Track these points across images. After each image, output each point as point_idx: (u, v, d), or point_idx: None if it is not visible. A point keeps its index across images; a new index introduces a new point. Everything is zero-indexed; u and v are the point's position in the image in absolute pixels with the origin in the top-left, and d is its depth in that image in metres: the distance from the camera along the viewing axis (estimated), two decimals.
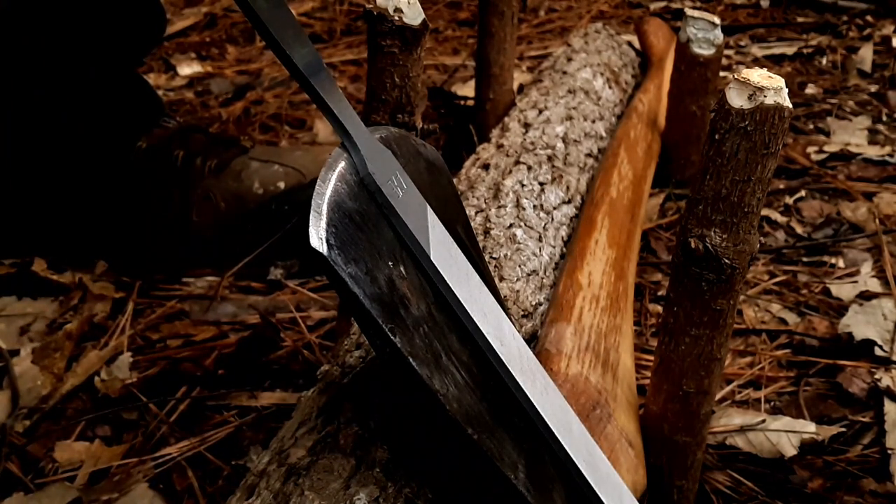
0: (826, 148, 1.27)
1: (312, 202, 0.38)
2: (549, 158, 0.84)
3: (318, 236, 0.37)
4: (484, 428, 0.42)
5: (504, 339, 0.46)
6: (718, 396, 0.78)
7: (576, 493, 0.47)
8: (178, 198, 0.98)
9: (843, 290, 0.94)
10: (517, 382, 0.45)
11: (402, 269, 0.41)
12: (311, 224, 0.38)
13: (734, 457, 0.73)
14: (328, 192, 0.39)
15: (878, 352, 0.83)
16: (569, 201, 0.81)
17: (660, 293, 0.94)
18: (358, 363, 0.54)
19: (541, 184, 0.79)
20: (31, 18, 0.92)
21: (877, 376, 0.80)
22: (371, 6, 0.58)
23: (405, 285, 0.41)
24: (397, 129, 0.47)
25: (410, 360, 0.39)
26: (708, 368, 0.55)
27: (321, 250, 0.37)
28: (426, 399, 0.40)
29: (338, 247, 0.38)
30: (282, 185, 0.97)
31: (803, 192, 1.15)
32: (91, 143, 0.97)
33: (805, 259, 1.01)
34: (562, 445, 0.46)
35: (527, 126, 0.92)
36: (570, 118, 0.95)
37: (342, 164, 0.41)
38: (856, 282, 0.95)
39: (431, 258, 0.43)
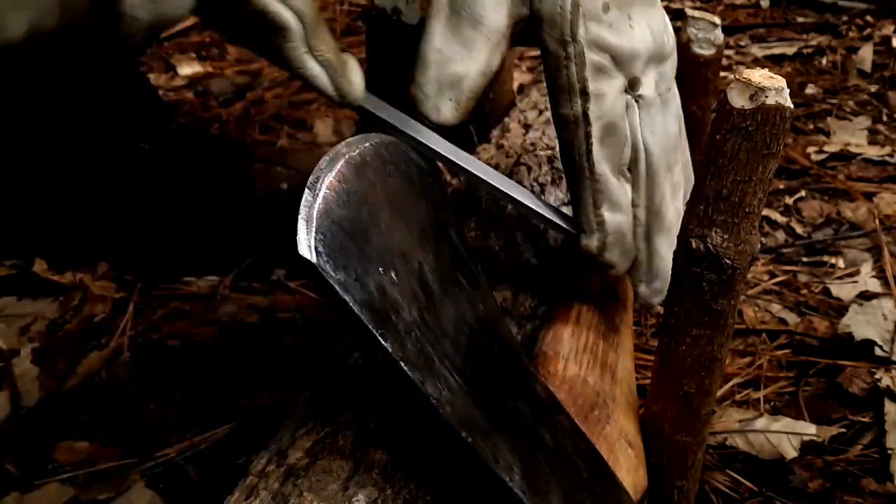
0: (826, 148, 1.27)
1: (301, 209, 0.38)
2: (550, 160, 0.84)
3: (306, 244, 0.37)
4: (478, 431, 0.42)
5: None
6: (718, 396, 0.78)
7: (574, 494, 0.47)
8: (180, 199, 0.98)
9: (843, 290, 0.94)
10: None
11: (392, 275, 0.41)
12: (299, 232, 0.38)
13: (734, 457, 0.73)
14: (318, 200, 0.39)
15: (878, 352, 0.83)
16: (568, 202, 0.81)
17: None
18: (357, 363, 0.54)
19: (541, 185, 0.79)
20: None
21: (877, 376, 0.80)
22: (370, 6, 0.58)
23: (396, 291, 0.41)
24: (388, 137, 0.47)
25: (402, 365, 0.39)
26: (708, 369, 0.55)
27: (310, 258, 0.37)
28: (419, 403, 0.40)
29: (326, 254, 0.38)
30: (284, 185, 0.97)
31: (803, 192, 1.15)
32: (93, 145, 0.97)
33: (805, 259, 1.01)
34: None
35: (527, 127, 0.92)
36: None
37: (332, 172, 0.40)
38: (856, 282, 0.95)
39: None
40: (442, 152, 0.54)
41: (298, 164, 1.00)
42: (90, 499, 0.69)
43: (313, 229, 0.38)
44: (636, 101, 0.56)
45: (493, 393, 0.45)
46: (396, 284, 0.41)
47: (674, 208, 0.59)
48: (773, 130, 0.46)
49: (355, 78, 0.51)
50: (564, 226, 0.59)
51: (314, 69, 0.49)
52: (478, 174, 0.56)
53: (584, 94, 0.53)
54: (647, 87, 0.56)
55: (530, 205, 0.58)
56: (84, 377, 0.83)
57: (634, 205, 0.57)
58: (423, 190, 0.48)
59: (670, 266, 0.54)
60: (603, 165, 0.54)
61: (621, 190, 0.56)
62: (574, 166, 0.55)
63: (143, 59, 1.61)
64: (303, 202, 0.39)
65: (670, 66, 0.59)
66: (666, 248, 0.58)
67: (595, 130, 0.53)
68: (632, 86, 0.55)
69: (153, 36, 0.42)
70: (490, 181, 0.57)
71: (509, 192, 0.57)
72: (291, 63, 0.49)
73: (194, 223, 0.98)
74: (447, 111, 0.53)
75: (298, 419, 0.50)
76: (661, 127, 0.57)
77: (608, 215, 0.56)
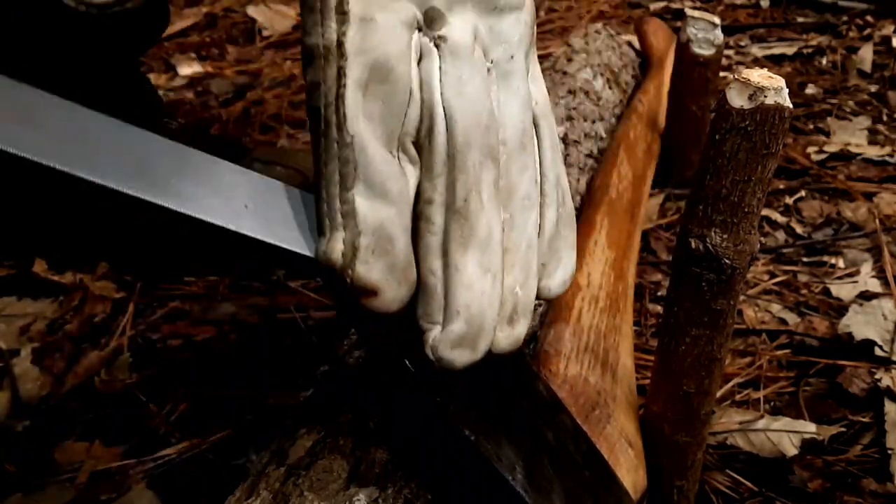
0: (826, 148, 1.27)
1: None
2: None
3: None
4: (481, 429, 0.42)
5: None
6: (718, 396, 0.78)
7: (575, 493, 0.47)
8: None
9: (843, 290, 0.94)
10: None
11: None
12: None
13: (734, 457, 0.73)
14: None
15: (878, 352, 0.83)
16: None
17: (660, 293, 0.94)
18: (358, 363, 0.54)
19: None
20: (31, 15, 0.92)
21: (877, 376, 0.80)
22: None
23: None
24: None
25: (406, 362, 0.39)
26: (708, 369, 0.55)
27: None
28: (423, 401, 0.40)
29: None
30: None
31: (803, 192, 1.15)
32: None
33: (805, 259, 1.01)
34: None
35: None
36: (570, 119, 0.95)
37: None
38: (856, 282, 0.95)
39: None
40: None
41: (298, 164, 1.00)
42: (90, 499, 0.69)
43: None
44: (435, 46, 0.39)
45: (496, 391, 0.45)
46: None
47: (496, 218, 0.39)
48: (772, 130, 0.46)
49: None
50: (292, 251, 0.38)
51: None
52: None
53: (342, 13, 0.36)
54: (456, 30, 0.39)
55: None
56: (84, 377, 0.83)
57: (426, 198, 0.38)
58: None
59: (486, 302, 0.38)
60: (361, 124, 0.36)
61: (393, 169, 0.37)
62: (318, 121, 0.37)
63: (143, 59, 1.61)
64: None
65: (515, 24, 0.41)
66: (476, 271, 0.38)
67: (353, 69, 0.36)
68: (429, 22, 0.39)
69: None
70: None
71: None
72: None
73: (194, 223, 0.98)
74: None
75: (299, 419, 0.50)
76: (478, 93, 0.39)
77: (363, 202, 0.37)
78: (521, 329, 0.41)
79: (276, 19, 1.82)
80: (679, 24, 1.08)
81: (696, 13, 1.05)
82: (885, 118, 1.37)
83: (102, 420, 0.78)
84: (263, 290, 0.96)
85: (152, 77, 1.56)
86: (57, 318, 0.91)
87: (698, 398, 0.57)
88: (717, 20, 1.04)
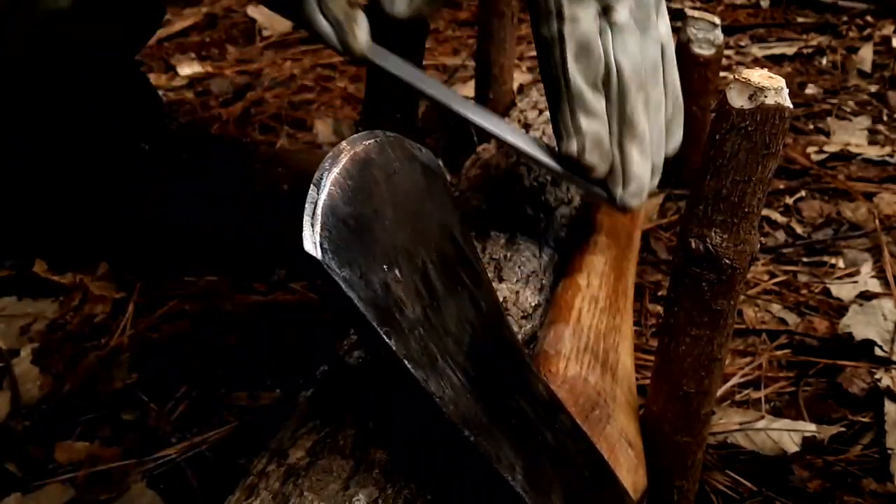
0: (826, 148, 1.27)
1: (306, 206, 0.38)
2: None
3: (311, 241, 0.37)
4: (481, 430, 0.42)
5: None
6: (718, 396, 0.78)
7: (575, 493, 0.47)
8: (180, 200, 0.98)
9: (843, 290, 0.94)
10: None
11: (396, 272, 0.41)
12: (304, 228, 0.38)
13: (734, 457, 0.73)
14: (322, 197, 0.39)
15: (878, 352, 0.83)
16: (568, 202, 0.81)
17: (660, 293, 0.94)
18: (358, 363, 0.54)
19: (540, 184, 0.79)
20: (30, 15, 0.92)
21: (877, 376, 0.80)
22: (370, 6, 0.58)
23: (400, 288, 0.41)
24: (392, 133, 0.47)
25: (406, 362, 0.39)
26: (708, 369, 0.55)
27: (315, 255, 0.37)
28: (422, 401, 0.40)
29: (332, 251, 0.38)
30: (285, 186, 0.97)
31: (803, 192, 1.15)
32: (93, 145, 0.97)
33: (805, 259, 1.01)
34: None
35: (527, 126, 0.92)
36: None
37: (337, 168, 0.40)
38: (856, 282, 0.95)
39: None
40: (438, 96, 0.64)
41: (298, 164, 0.99)
42: (90, 499, 0.69)
43: (318, 226, 0.38)
44: (610, 26, 0.62)
45: (496, 391, 0.45)
46: (400, 282, 0.41)
47: (646, 120, 0.64)
48: (772, 130, 0.46)
49: (361, 34, 0.59)
50: (553, 164, 0.66)
51: (323, 26, 0.57)
52: (473, 117, 0.65)
53: (560, 16, 0.60)
54: (620, 14, 0.61)
55: (522, 146, 0.67)
56: (84, 377, 0.83)
57: (608, 115, 0.63)
58: (427, 187, 0.48)
59: (644, 171, 0.65)
60: (577, 78, 0.61)
61: (596, 100, 0.62)
62: (552, 81, 0.63)
63: (142, 58, 1.61)
64: (308, 199, 0.39)
65: None
66: (638, 154, 0.64)
67: (570, 48, 0.60)
68: (605, 11, 0.61)
69: None
70: (484, 123, 0.66)
71: (503, 134, 0.66)
72: (304, 19, 0.55)
73: (194, 223, 0.98)
74: (401, 5, 0.59)
75: (298, 419, 0.50)
76: (634, 49, 0.62)
77: (584, 122, 0.62)
78: (657, 180, 0.68)
79: (276, 19, 1.82)
80: (679, 24, 1.08)
81: (696, 13, 1.05)
82: (885, 118, 1.37)
83: (102, 420, 0.78)
84: (263, 290, 0.96)
85: (152, 77, 1.56)
86: (57, 318, 0.91)
87: (698, 398, 0.57)
88: (717, 20, 1.04)
